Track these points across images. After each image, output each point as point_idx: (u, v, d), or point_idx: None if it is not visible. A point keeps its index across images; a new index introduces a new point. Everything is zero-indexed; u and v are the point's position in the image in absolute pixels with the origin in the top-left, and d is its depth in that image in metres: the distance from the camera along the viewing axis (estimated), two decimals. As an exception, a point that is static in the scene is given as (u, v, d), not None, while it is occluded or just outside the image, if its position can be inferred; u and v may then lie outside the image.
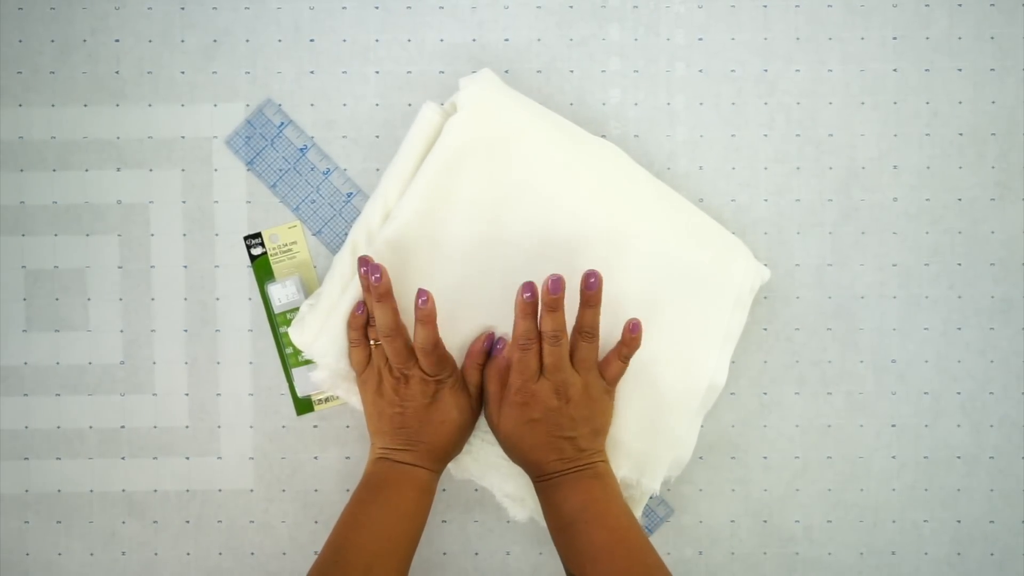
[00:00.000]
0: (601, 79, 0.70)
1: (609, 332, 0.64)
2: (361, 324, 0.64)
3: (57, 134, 0.69)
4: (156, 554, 0.70)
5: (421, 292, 0.60)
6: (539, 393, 0.62)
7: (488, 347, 0.65)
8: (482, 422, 0.66)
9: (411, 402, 0.62)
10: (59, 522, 0.70)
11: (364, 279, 0.63)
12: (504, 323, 0.65)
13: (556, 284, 0.60)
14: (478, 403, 0.65)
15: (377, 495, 0.61)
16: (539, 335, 0.62)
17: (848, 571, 0.70)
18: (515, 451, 0.63)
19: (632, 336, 0.63)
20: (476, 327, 0.66)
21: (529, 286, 0.61)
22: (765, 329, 0.70)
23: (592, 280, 0.61)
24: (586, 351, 0.63)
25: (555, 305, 0.60)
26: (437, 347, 0.61)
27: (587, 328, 0.62)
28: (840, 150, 0.70)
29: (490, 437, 0.66)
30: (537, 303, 0.61)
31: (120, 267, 0.70)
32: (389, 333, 0.61)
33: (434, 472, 0.63)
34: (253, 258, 0.70)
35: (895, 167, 0.70)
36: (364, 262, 0.62)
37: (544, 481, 0.62)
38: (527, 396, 0.62)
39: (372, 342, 0.64)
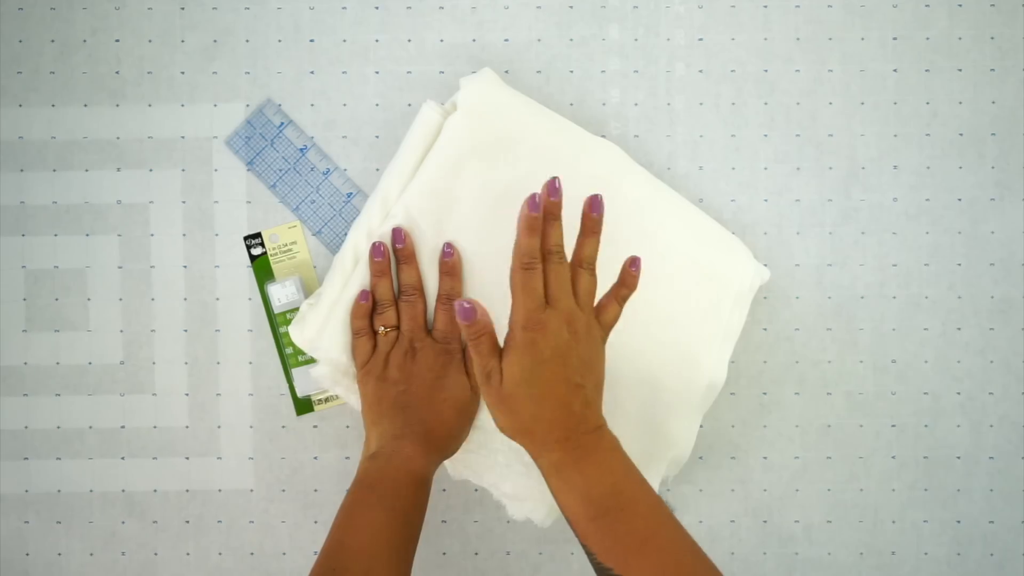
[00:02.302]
0: (601, 79, 0.70)
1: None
2: (366, 312, 0.64)
3: (57, 134, 0.69)
4: (156, 554, 0.70)
5: (447, 245, 0.64)
6: (549, 323, 0.55)
7: None
8: (479, 420, 0.65)
9: (417, 379, 0.62)
10: (59, 522, 0.70)
11: (373, 262, 0.64)
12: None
13: (555, 188, 0.56)
14: (478, 394, 0.64)
15: (371, 494, 0.59)
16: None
17: (848, 571, 0.70)
18: (518, 414, 0.56)
19: (631, 272, 0.59)
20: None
21: (533, 198, 0.56)
22: (765, 329, 0.70)
23: (596, 202, 0.58)
24: (587, 283, 0.58)
25: (555, 211, 0.57)
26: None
27: (587, 259, 0.58)
28: (840, 150, 0.70)
29: (487, 437, 0.65)
30: (542, 219, 0.56)
31: (120, 267, 0.70)
32: (412, 292, 0.64)
33: (429, 463, 0.61)
34: (253, 258, 0.70)
35: (895, 167, 0.70)
36: (377, 248, 0.64)
37: (553, 457, 0.56)
38: (535, 331, 0.55)
39: (383, 328, 0.64)
